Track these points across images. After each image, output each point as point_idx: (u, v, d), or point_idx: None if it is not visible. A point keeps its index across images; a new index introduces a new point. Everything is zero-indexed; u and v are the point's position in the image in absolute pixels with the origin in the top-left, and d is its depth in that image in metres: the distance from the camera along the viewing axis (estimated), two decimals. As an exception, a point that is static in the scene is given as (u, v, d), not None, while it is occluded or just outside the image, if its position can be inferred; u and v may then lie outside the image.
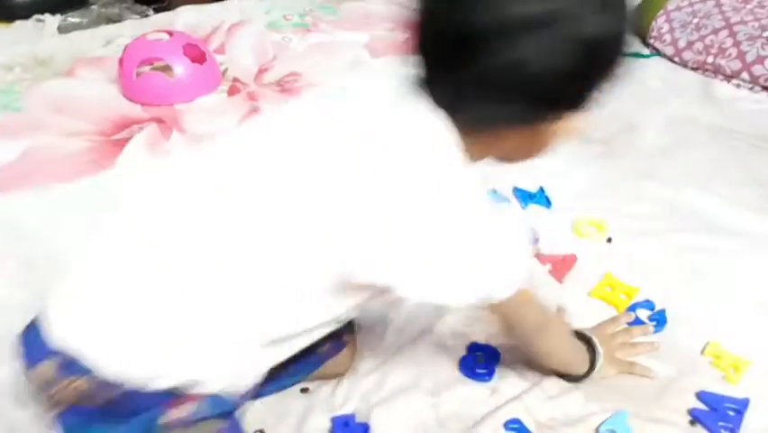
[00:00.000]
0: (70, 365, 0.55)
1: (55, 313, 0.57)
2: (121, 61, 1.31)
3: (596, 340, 0.73)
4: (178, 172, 0.62)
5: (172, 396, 0.56)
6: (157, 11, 1.88)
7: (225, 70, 1.43)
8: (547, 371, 0.76)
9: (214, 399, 0.59)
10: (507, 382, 0.76)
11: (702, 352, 0.80)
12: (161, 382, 0.55)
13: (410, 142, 0.54)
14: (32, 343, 0.58)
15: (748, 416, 0.72)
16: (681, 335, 0.82)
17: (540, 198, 1.05)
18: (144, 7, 1.97)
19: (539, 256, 0.93)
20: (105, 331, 0.56)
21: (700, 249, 0.95)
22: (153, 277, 0.56)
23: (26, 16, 1.71)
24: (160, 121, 1.24)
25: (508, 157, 0.60)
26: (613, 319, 0.81)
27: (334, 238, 0.53)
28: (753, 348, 0.80)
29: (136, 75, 1.29)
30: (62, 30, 1.69)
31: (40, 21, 1.70)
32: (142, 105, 1.29)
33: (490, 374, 0.76)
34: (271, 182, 0.55)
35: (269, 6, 1.72)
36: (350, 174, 0.53)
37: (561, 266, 0.92)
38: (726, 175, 1.12)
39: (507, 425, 0.71)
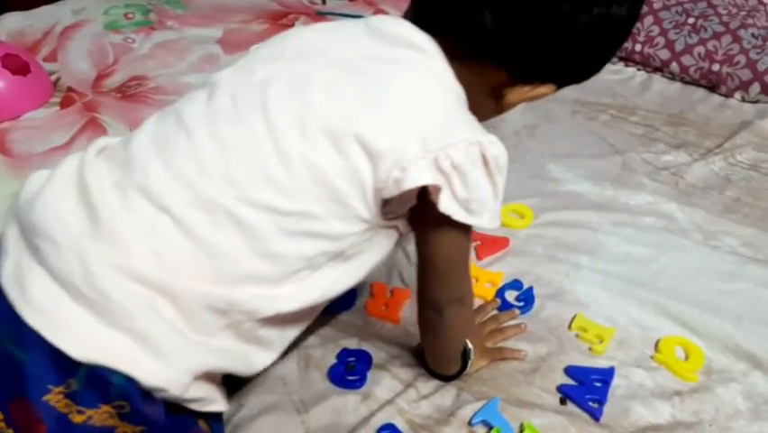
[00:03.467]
0: (100, 382, 0.46)
1: (71, 319, 0.48)
2: (-73, 79, 1.14)
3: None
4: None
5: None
6: (-18, 18, 1.67)
7: (58, 80, 1.28)
8: (424, 362, 0.73)
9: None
10: (381, 386, 0.72)
11: (569, 326, 0.80)
12: (194, 390, 0.51)
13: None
14: (34, 367, 0.47)
15: (614, 383, 0.73)
16: (549, 312, 0.82)
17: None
18: (-33, 15, 1.75)
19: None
20: (135, 324, 0.48)
21: (564, 223, 0.96)
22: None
23: None
24: (-21, 143, 1.09)
25: (475, 112, 0.60)
26: (479, 309, 0.80)
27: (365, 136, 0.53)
28: (615, 316, 0.81)
29: (-53, 93, 1.13)
30: None
31: None
32: (-42, 126, 1.13)
33: (362, 381, 0.72)
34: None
35: (107, 5, 1.57)
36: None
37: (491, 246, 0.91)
38: (588, 148, 1.15)
39: (379, 431, 0.67)
